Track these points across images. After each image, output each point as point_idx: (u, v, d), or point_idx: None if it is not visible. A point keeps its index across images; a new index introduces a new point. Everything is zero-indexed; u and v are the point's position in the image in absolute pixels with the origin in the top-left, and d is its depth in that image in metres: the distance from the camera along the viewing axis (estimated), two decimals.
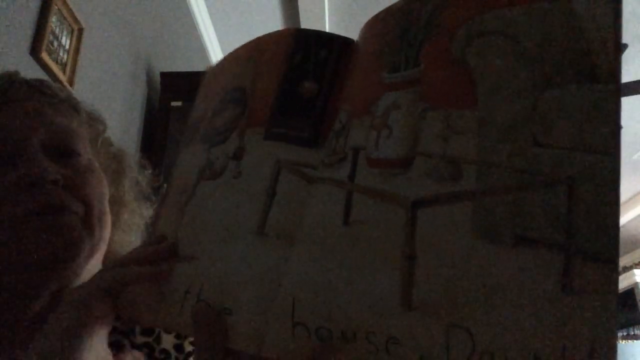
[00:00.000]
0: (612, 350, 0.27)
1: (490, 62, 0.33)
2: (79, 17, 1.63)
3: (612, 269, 0.28)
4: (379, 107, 0.37)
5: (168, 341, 0.62)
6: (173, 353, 0.61)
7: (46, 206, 0.54)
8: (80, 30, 1.66)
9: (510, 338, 0.29)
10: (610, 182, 0.29)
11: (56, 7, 1.51)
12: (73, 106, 0.64)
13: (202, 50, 3.06)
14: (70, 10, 1.58)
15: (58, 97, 0.62)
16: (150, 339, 0.62)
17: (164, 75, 2.32)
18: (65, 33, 1.59)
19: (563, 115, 0.31)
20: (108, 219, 0.62)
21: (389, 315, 0.33)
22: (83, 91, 1.64)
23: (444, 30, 0.36)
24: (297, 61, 0.45)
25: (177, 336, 0.62)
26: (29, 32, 1.42)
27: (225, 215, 0.41)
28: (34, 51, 1.43)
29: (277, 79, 0.45)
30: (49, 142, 0.58)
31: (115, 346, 0.61)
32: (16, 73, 0.64)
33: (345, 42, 0.44)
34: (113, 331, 0.61)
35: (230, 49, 0.53)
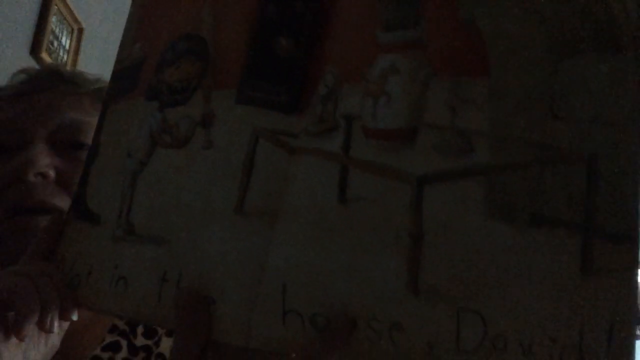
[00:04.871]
0: (631, 334, 0.27)
1: (503, 25, 0.30)
2: (79, 17, 1.68)
3: (632, 249, 0.27)
4: (374, 71, 0.34)
5: (166, 345, 0.57)
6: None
7: (21, 207, 0.53)
8: (80, 30, 1.71)
9: (525, 321, 0.28)
10: (631, 159, 0.28)
11: (56, 7, 1.55)
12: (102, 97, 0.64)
13: None
14: (70, 10, 1.62)
15: (85, 87, 0.62)
16: (150, 342, 0.58)
17: None
18: (65, 33, 1.63)
19: (583, 86, 0.29)
20: None
21: (393, 300, 0.30)
22: None
23: None
24: (270, 14, 0.39)
25: None
26: (29, 32, 1.46)
27: (198, 192, 0.36)
28: (34, 51, 1.47)
29: (247, 33, 0.39)
30: (57, 135, 0.57)
31: (113, 348, 0.56)
32: (58, 65, 0.70)
33: None
34: (113, 331, 0.57)
35: None
